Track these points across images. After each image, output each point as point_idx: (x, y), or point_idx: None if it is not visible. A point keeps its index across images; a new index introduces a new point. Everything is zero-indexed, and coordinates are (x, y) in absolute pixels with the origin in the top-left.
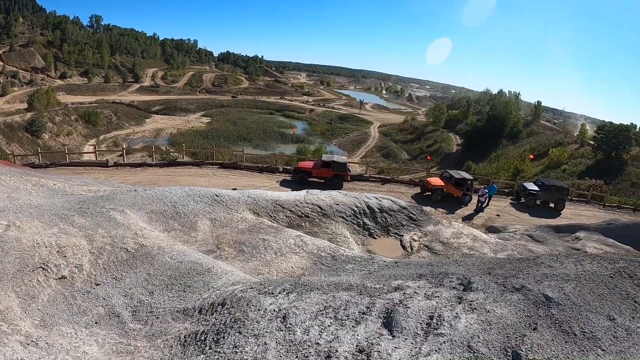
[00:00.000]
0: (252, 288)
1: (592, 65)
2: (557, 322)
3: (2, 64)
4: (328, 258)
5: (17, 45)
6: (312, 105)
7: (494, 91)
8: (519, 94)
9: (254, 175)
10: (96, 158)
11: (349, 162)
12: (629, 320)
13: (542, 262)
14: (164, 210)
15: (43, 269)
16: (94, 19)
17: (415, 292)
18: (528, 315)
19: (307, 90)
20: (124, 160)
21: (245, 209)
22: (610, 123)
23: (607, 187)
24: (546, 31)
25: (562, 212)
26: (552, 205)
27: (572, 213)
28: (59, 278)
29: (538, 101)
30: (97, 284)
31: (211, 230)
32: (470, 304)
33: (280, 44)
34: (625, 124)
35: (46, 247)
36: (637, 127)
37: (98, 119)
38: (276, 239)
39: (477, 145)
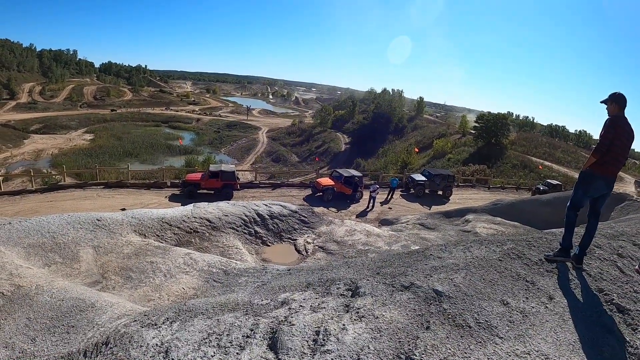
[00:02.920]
0: (135, 321)
1: (472, 59)
2: (450, 317)
3: None
4: (220, 274)
5: None
6: (199, 114)
7: (379, 90)
8: (402, 91)
9: (142, 193)
10: None
11: (238, 170)
12: (523, 301)
13: (431, 254)
14: (43, 242)
15: None
16: None
17: (301, 306)
18: (420, 315)
19: (193, 99)
20: (0, 189)
21: (130, 231)
22: (489, 113)
23: (490, 171)
24: (428, 27)
25: (450, 198)
26: (440, 192)
27: (460, 198)
28: None
29: (420, 97)
30: None
31: (95, 259)
32: (358, 312)
33: (164, 52)
34: (502, 112)
35: None
36: (514, 115)
37: None
38: (164, 260)
39: (365, 142)
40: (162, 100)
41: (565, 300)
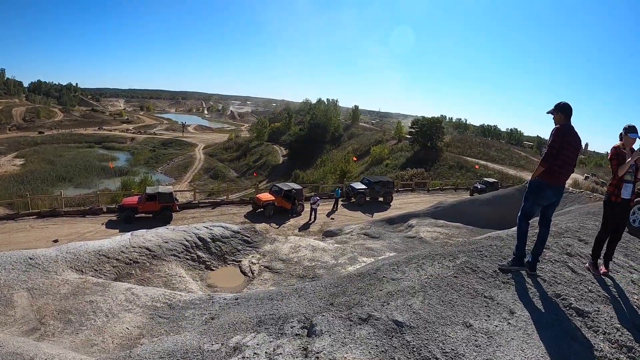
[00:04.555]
0: None
1: (406, 65)
2: (415, 349)
3: None
4: (165, 308)
5: None
6: (133, 133)
7: (314, 100)
8: (337, 100)
9: (77, 221)
10: None
11: (176, 190)
12: (485, 320)
13: (384, 276)
14: None
15: None
16: None
17: (256, 354)
18: (383, 351)
19: (126, 117)
20: None
21: (66, 267)
22: (423, 117)
23: (428, 174)
24: (360, 35)
25: (391, 204)
26: (381, 199)
27: (401, 202)
28: None
29: (355, 105)
30: None
31: (30, 303)
32: (317, 358)
33: (95, 69)
34: (436, 116)
35: None
36: (447, 118)
37: None
38: (105, 299)
39: (302, 153)
40: (95, 119)
41: (527, 312)
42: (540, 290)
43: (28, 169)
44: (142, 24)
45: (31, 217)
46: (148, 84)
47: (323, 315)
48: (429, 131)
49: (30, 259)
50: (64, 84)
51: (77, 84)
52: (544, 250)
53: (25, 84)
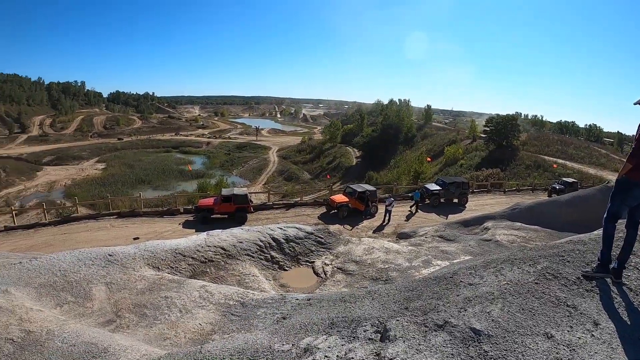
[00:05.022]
0: None
1: (477, 62)
2: None
3: None
4: (237, 306)
5: None
6: (209, 137)
7: (385, 101)
8: (409, 100)
9: (155, 221)
10: None
11: (250, 192)
12: (568, 331)
13: (461, 281)
14: (54, 281)
15: None
16: None
17: (327, 357)
18: None
19: (201, 123)
20: (14, 223)
21: (143, 264)
22: (498, 115)
23: (504, 174)
24: (430, 32)
25: (466, 205)
26: (455, 200)
27: (476, 204)
28: None
29: (428, 105)
30: None
31: (108, 297)
32: None
33: (171, 78)
34: (511, 114)
35: None
36: (522, 115)
37: None
38: (179, 295)
39: (376, 154)
40: (172, 125)
41: (612, 324)
42: (626, 300)
43: (109, 172)
44: (215, 32)
45: (112, 217)
46: (222, 90)
47: (397, 320)
48: (503, 129)
49: (110, 255)
50: (141, 93)
51: (153, 93)
52: (631, 255)
53: (105, 95)
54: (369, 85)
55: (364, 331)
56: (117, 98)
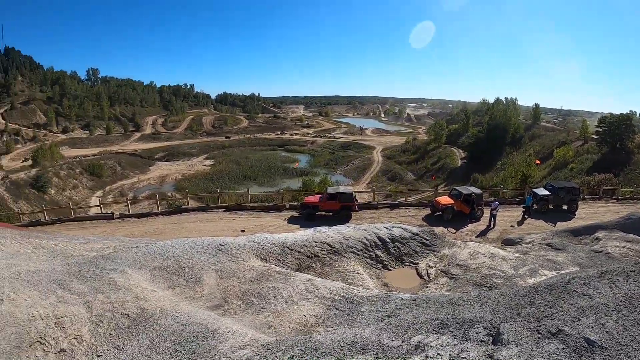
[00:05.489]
0: (259, 355)
1: (589, 56)
2: None
3: (4, 122)
4: (342, 301)
5: (18, 103)
6: (313, 137)
7: (491, 100)
8: (515, 99)
9: (261, 215)
10: (101, 211)
11: (355, 191)
12: None
13: (575, 290)
14: (167, 265)
15: (40, 343)
16: (91, 72)
17: (439, 354)
18: None
19: (306, 122)
20: (129, 211)
21: (252, 255)
22: (611, 114)
23: (617, 180)
24: (531, 26)
25: (576, 213)
26: (565, 207)
27: (587, 212)
28: (58, 351)
29: (536, 104)
30: (99, 356)
31: (217, 283)
32: None
33: (275, 79)
34: (625, 113)
35: (43, 319)
36: (637, 114)
37: (103, 170)
38: (286, 286)
39: (481, 156)
40: (277, 125)
41: None
42: None
43: (217, 168)
44: (317, 33)
45: (220, 210)
46: (325, 90)
47: (510, 325)
48: (617, 130)
49: (221, 245)
50: (248, 94)
51: (259, 93)
52: None
53: (213, 96)
54: (474, 83)
55: (476, 333)
56: (224, 99)
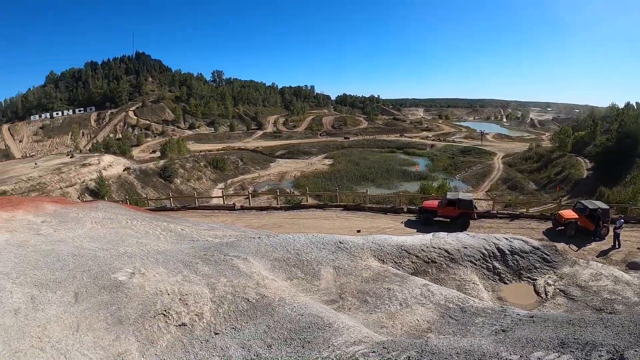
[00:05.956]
0: (374, 352)
1: None
2: None
3: (136, 118)
4: (456, 310)
5: (149, 102)
6: (432, 140)
7: (621, 105)
8: None
9: (378, 217)
10: (224, 202)
11: (474, 198)
12: None
13: None
14: (287, 258)
15: (164, 315)
16: (216, 74)
17: None
18: None
19: (425, 125)
20: (249, 204)
21: (370, 255)
22: None
23: None
24: None
25: None
26: None
27: None
28: (179, 325)
29: None
30: (216, 333)
31: (334, 279)
32: None
33: (395, 81)
34: None
35: (169, 294)
36: None
37: (225, 164)
38: (401, 289)
39: (609, 167)
40: (396, 127)
41: None
42: None
43: (335, 168)
44: (433, 33)
45: (337, 209)
46: (445, 93)
47: (635, 351)
48: None
49: (340, 242)
50: (367, 95)
51: (378, 95)
52: None
53: (333, 97)
54: (602, 85)
55: (599, 356)
56: (344, 100)
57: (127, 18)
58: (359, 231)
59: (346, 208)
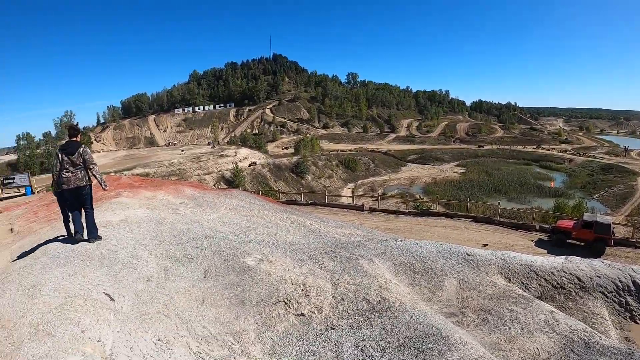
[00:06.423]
0: None
1: None
2: None
3: (272, 115)
4: (580, 344)
5: (285, 101)
6: (571, 154)
7: None
8: None
9: (508, 232)
10: (353, 201)
11: (613, 222)
12: None
13: None
14: (412, 264)
15: (285, 303)
16: (350, 76)
17: None
18: None
19: (565, 137)
20: (378, 206)
21: (496, 272)
22: None
23: None
24: None
25: None
26: None
27: None
28: (298, 314)
29: None
30: (333, 328)
31: (457, 292)
32: None
33: (533, 88)
34: None
35: (292, 284)
36: None
37: (357, 165)
38: (525, 312)
39: None
40: (533, 138)
41: None
42: None
43: (467, 177)
44: (575, 37)
45: (466, 219)
46: (587, 102)
47: None
48: None
49: (468, 255)
50: (503, 103)
51: (515, 103)
52: None
53: (467, 103)
54: None
55: None
56: (479, 106)
57: (266, 21)
58: (485, 245)
59: (475, 219)
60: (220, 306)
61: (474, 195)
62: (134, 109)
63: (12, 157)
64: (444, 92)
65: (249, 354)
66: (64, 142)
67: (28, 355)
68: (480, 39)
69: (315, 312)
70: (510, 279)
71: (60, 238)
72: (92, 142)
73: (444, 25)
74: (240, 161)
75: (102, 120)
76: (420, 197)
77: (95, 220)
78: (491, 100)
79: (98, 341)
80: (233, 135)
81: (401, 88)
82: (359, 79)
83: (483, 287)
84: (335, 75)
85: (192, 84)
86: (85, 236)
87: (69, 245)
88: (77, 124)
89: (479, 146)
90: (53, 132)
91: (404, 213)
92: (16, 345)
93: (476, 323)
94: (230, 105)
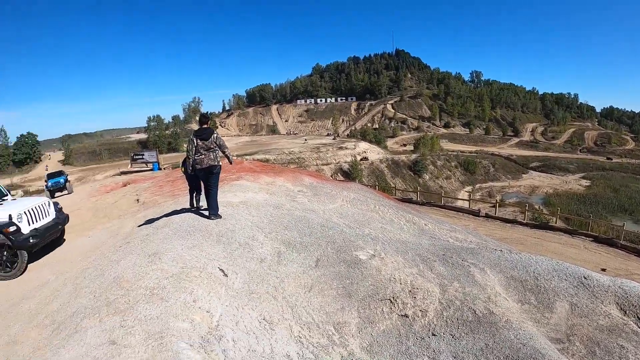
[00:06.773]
0: None
1: None
2: None
3: (393, 111)
4: None
5: (407, 97)
6: None
7: None
8: None
9: (630, 258)
10: (469, 206)
11: None
12: None
13: None
14: (525, 279)
15: (391, 302)
16: (474, 75)
17: None
18: None
19: None
20: (495, 213)
21: (612, 301)
22: None
23: None
24: None
25: None
26: None
27: None
28: (401, 315)
29: None
30: (434, 335)
31: (567, 317)
32: None
33: None
34: None
35: (400, 283)
36: None
37: (476, 168)
38: (636, 351)
39: None
40: None
41: None
42: None
43: (592, 191)
44: None
45: (587, 238)
46: None
47: None
48: None
49: (585, 278)
50: (637, 111)
51: None
52: None
53: (597, 109)
54: None
55: None
56: (610, 114)
57: (388, 16)
58: (604, 270)
59: (596, 239)
60: (327, 295)
61: (597, 212)
62: (257, 98)
63: (143, 136)
64: (572, 96)
65: (347, 347)
66: (197, 128)
67: (140, 315)
68: (615, 37)
69: (420, 315)
70: (626, 312)
71: (183, 212)
72: (217, 127)
73: (576, 22)
74: (359, 154)
75: (227, 107)
76: (539, 208)
77: (218, 200)
78: (623, 107)
79: (207, 312)
80: (353, 128)
81: (527, 89)
82: (482, 78)
83: (596, 316)
84: (459, 73)
85: (315, 76)
86: (207, 213)
87: (191, 219)
88: (207, 112)
89: (608, 158)
90: (181, 116)
91: (521, 223)
92: (131, 304)
93: (582, 354)
94: (351, 99)
